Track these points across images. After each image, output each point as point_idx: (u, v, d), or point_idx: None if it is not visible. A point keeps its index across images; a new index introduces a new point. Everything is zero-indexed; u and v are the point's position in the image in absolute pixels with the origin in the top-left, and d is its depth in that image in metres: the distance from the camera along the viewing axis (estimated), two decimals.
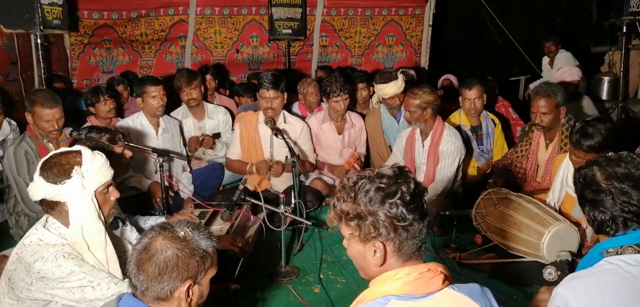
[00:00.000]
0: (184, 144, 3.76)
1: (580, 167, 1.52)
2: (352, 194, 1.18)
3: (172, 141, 3.57)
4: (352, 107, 4.08)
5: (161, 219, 2.48)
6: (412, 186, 1.17)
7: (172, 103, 3.86)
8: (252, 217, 2.90)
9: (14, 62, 4.21)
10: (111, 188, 1.84)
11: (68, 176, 1.69)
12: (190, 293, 1.33)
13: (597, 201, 1.41)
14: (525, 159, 3.35)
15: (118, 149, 2.47)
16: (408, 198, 1.15)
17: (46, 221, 1.76)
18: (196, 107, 3.91)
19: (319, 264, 2.74)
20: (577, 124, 2.58)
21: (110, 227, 2.04)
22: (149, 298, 1.31)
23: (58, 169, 1.70)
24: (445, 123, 3.35)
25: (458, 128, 3.54)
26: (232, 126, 3.94)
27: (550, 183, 2.89)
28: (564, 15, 9.72)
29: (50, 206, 1.73)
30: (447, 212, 2.88)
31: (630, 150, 2.98)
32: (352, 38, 6.24)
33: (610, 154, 1.58)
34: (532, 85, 5.89)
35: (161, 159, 2.91)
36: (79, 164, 1.73)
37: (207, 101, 4.23)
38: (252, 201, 2.71)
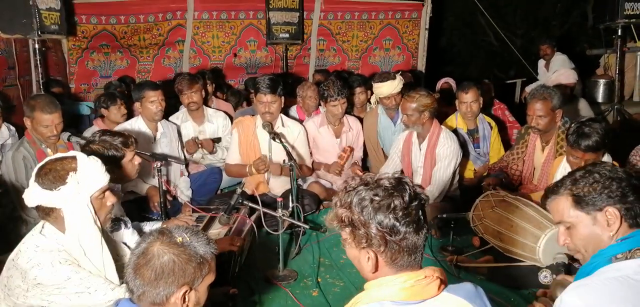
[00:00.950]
0: (182, 149, 3.76)
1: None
2: (348, 200, 1.19)
3: (170, 146, 3.57)
4: (349, 110, 4.09)
5: (158, 225, 2.47)
6: (407, 198, 1.15)
7: (169, 107, 3.86)
8: (248, 221, 2.90)
9: (11, 66, 4.21)
10: (107, 193, 1.83)
11: (63, 182, 1.68)
12: (187, 299, 1.33)
13: None
14: (521, 162, 3.36)
15: (130, 153, 2.46)
16: (401, 213, 1.13)
17: (42, 227, 1.75)
18: (196, 111, 3.91)
19: (316, 267, 2.74)
20: (572, 125, 2.59)
21: (113, 228, 2.04)
22: (145, 303, 1.31)
23: (53, 175, 1.69)
24: (442, 126, 3.36)
25: (455, 131, 3.55)
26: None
27: (546, 186, 2.89)
28: (559, 18, 9.78)
29: (46, 212, 1.72)
30: (445, 215, 2.89)
31: (627, 152, 3.01)
32: (349, 42, 6.25)
33: None
34: (528, 88, 5.90)
35: (159, 164, 2.91)
36: (74, 170, 1.72)
37: (206, 105, 4.24)
38: (250, 204, 2.70)
